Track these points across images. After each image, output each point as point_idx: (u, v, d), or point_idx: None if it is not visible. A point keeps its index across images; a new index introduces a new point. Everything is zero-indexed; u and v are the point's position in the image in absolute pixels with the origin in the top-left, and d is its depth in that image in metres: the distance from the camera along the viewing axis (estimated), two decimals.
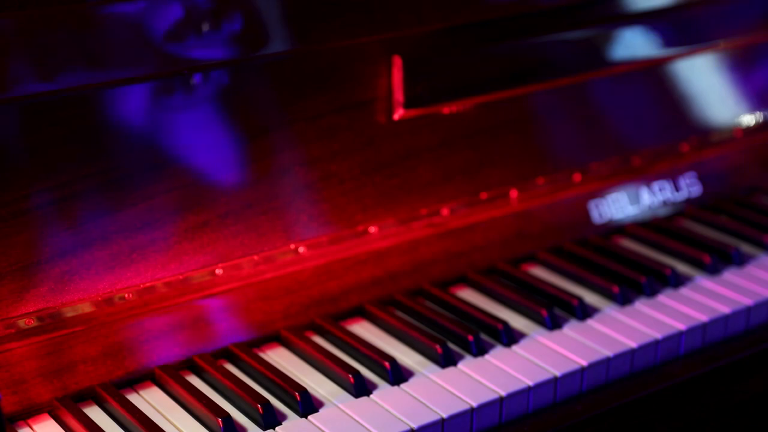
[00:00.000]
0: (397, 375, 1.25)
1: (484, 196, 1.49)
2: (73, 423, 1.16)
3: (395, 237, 1.42)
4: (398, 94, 1.40)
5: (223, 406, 1.18)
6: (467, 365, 1.28)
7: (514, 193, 1.51)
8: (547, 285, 1.43)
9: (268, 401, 1.18)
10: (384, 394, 1.22)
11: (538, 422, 1.24)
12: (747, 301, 1.42)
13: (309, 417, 1.18)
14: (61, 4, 1.16)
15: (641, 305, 1.41)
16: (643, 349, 1.33)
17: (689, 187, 1.66)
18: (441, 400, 1.21)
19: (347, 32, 1.35)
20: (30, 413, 1.18)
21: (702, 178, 1.68)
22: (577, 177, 1.57)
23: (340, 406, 1.20)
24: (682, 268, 1.51)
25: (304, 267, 1.35)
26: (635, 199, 1.61)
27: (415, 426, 1.17)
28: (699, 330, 1.38)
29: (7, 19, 1.14)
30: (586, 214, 1.57)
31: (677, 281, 1.46)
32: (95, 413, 1.19)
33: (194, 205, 1.28)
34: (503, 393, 1.22)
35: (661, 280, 1.46)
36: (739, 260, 1.52)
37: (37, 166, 1.19)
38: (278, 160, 1.33)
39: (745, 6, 1.73)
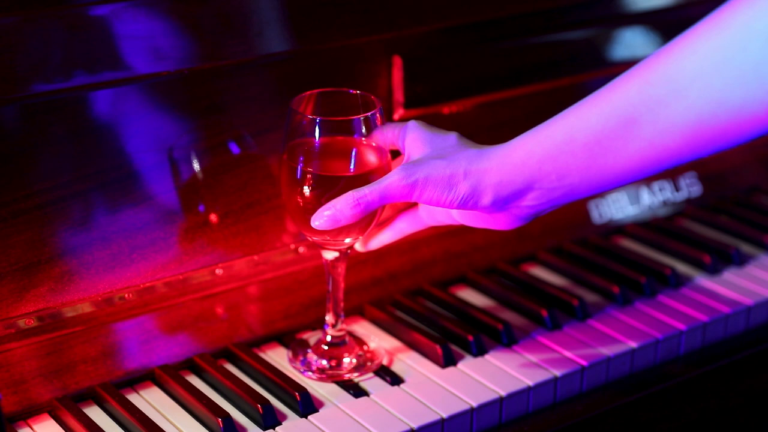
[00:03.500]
0: (397, 375, 1.25)
1: None
2: (73, 423, 1.16)
3: None
4: (398, 94, 1.40)
5: (223, 406, 1.18)
6: (467, 365, 1.28)
7: None
8: (547, 285, 1.43)
9: (268, 401, 1.18)
10: (384, 394, 1.22)
11: (538, 422, 1.24)
12: (747, 301, 1.42)
13: (309, 417, 1.18)
14: (61, 5, 1.16)
15: (641, 305, 1.41)
16: (643, 349, 1.33)
17: (689, 187, 1.66)
18: (441, 400, 1.21)
19: (347, 32, 1.35)
20: (30, 413, 1.18)
21: (702, 178, 1.68)
22: None
23: (340, 406, 1.20)
24: (682, 268, 1.51)
25: (304, 267, 1.35)
26: (635, 199, 1.61)
27: (415, 426, 1.17)
28: (699, 330, 1.38)
29: (7, 19, 1.14)
30: (586, 214, 1.57)
31: (677, 281, 1.46)
32: (95, 413, 1.19)
33: (194, 205, 1.28)
34: (503, 393, 1.22)
35: (661, 280, 1.46)
36: (739, 260, 1.52)
37: (37, 166, 1.19)
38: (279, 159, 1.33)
39: None
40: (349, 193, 1.13)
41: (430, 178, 1.12)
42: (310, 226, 1.18)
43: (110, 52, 1.20)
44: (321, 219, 1.14)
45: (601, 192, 1.10)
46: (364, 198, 1.13)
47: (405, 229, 1.27)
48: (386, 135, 1.20)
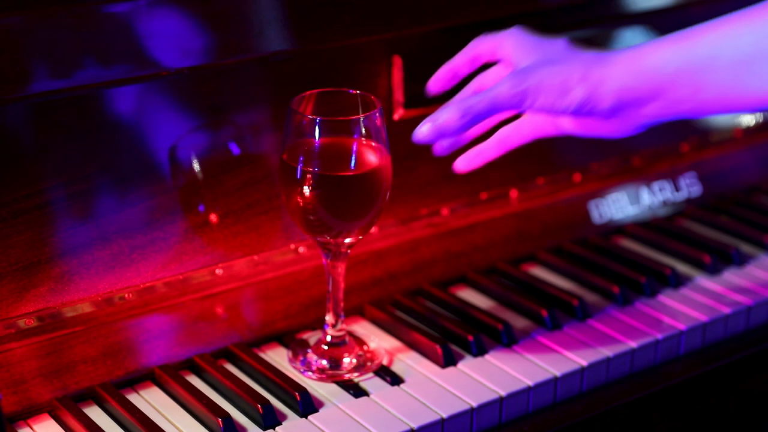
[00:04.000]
0: (397, 375, 1.25)
1: (484, 196, 1.49)
2: (73, 423, 1.16)
3: (395, 237, 1.42)
4: (398, 94, 1.40)
5: (223, 406, 1.18)
6: (467, 365, 1.28)
7: (514, 193, 1.52)
8: (547, 285, 1.43)
9: (268, 401, 1.18)
10: (384, 394, 1.22)
11: (538, 422, 1.24)
12: (747, 301, 1.42)
13: (309, 417, 1.18)
14: (62, 4, 1.16)
15: (641, 305, 1.41)
16: (643, 349, 1.33)
17: (689, 187, 1.66)
18: (441, 400, 1.21)
19: (347, 32, 1.35)
20: (30, 413, 1.18)
21: (702, 178, 1.68)
22: (577, 177, 1.57)
23: (340, 406, 1.20)
24: (682, 268, 1.51)
25: (304, 267, 1.35)
26: (635, 199, 1.61)
27: (415, 426, 1.17)
28: (699, 330, 1.38)
29: (8, 19, 1.14)
30: (586, 214, 1.57)
31: (677, 281, 1.46)
32: (95, 413, 1.19)
33: (194, 205, 1.28)
34: (503, 393, 1.22)
35: (661, 280, 1.46)
36: (739, 260, 1.52)
37: (38, 166, 1.19)
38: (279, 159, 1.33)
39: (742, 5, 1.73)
40: (454, 103, 1.08)
41: (542, 85, 1.07)
42: (310, 226, 1.18)
43: (110, 52, 1.20)
44: (423, 130, 1.09)
45: (731, 114, 1.05)
46: (472, 108, 1.07)
47: (509, 141, 1.20)
48: (484, 46, 1.15)
